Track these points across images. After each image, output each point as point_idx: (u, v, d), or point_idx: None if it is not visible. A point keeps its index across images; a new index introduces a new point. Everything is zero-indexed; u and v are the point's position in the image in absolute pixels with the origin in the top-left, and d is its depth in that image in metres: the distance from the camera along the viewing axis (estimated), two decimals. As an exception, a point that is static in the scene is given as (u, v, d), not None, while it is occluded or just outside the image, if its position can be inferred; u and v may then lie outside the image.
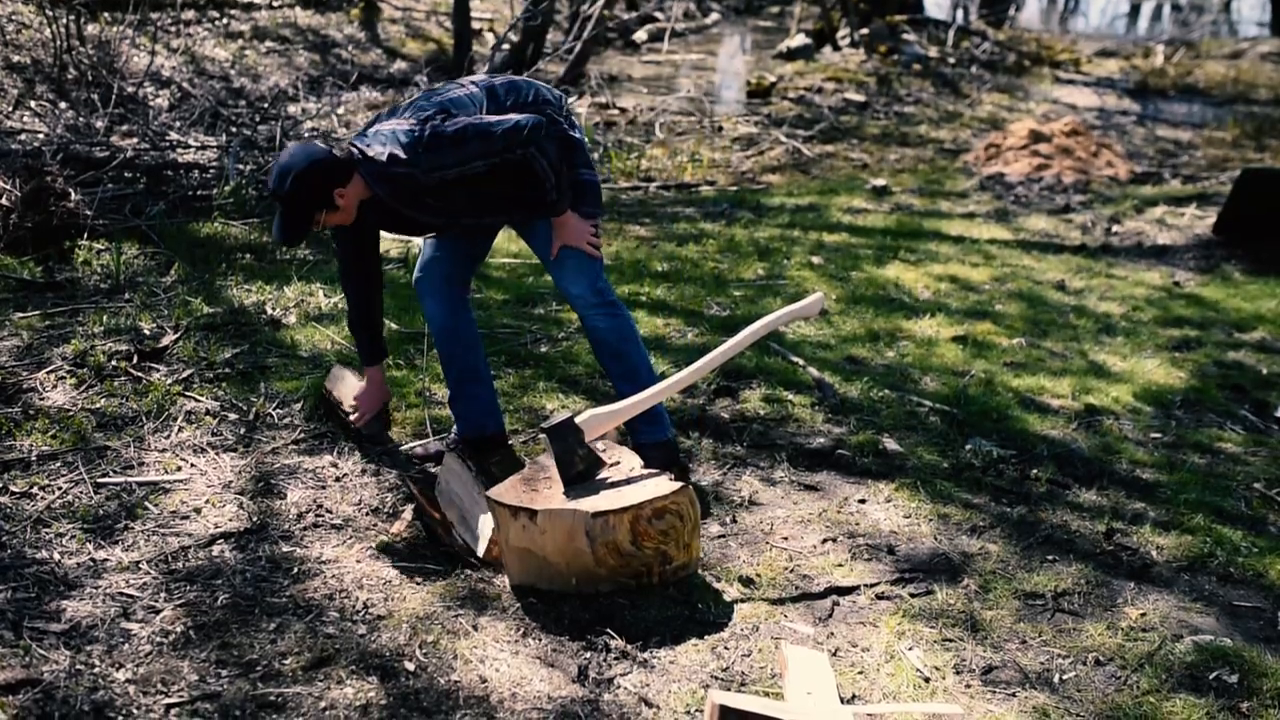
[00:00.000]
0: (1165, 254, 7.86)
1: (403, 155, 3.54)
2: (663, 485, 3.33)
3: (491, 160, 3.58)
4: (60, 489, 3.72)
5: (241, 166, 7.59)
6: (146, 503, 3.67)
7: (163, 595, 3.18)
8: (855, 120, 12.40)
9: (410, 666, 2.94)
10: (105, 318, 5.08)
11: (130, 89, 9.30)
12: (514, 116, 3.63)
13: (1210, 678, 3.09)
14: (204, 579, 3.28)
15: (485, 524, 3.43)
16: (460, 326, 4.07)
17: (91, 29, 10.43)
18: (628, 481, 3.40)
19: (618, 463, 3.56)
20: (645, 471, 3.47)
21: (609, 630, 3.15)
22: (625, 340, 3.97)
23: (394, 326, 5.24)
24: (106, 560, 3.34)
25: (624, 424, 3.79)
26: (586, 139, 3.99)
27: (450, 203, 3.68)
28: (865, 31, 16.13)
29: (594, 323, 3.94)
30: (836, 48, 16.49)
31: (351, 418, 4.11)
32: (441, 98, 3.70)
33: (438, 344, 4.10)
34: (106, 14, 10.89)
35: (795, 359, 5.19)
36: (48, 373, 4.51)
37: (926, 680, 3.03)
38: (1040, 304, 6.48)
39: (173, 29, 12.15)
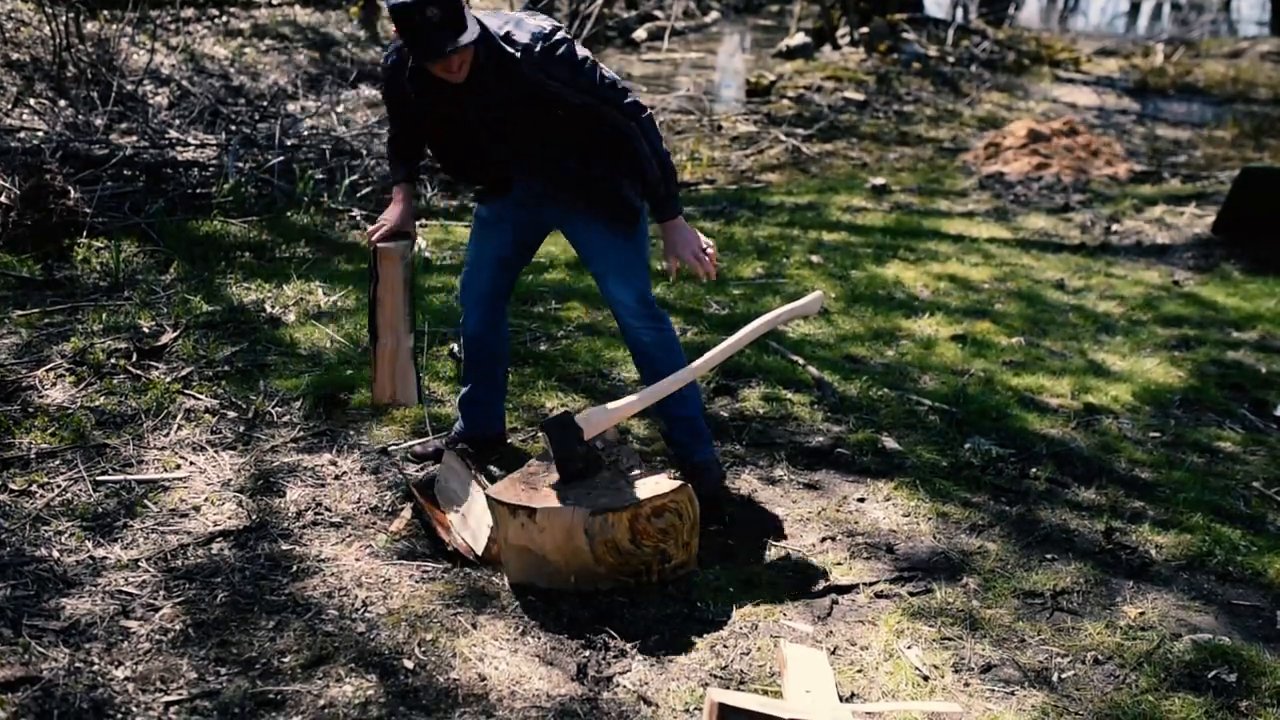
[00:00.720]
0: (1164, 253, 7.86)
1: (520, 39, 3.42)
2: (662, 484, 3.34)
3: (595, 106, 3.47)
4: (59, 487, 3.72)
5: (241, 165, 7.59)
6: (146, 501, 3.67)
7: (162, 593, 3.18)
8: (855, 119, 12.40)
9: (409, 664, 2.94)
10: (104, 315, 5.08)
11: (130, 87, 9.29)
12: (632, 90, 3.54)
13: (1209, 676, 3.09)
14: (203, 577, 3.28)
15: (484, 522, 3.43)
16: (494, 338, 4.01)
17: (91, 27, 10.43)
18: (627, 480, 3.40)
19: (616, 460, 3.56)
20: (644, 470, 3.47)
21: (608, 628, 3.15)
22: (669, 353, 3.84)
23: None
24: (105, 558, 3.34)
25: (667, 444, 3.83)
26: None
27: (533, 122, 3.51)
28: (865, 30, 16.13)
29: (639, 334, 3.82)
30: (836, 46, 16.49)
31: (370, 228, 3.83)
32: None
33: (466, 350, 4.04)
34: (106, 12, 10.89)
35: (794, 357, 5.19)
36: (47, 370, 4.50)
37: (925, 679, 3.04)
38: (1039, 303, 6.48)
39: (172, 27, 12.15)
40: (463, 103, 3.52)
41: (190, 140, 8.21)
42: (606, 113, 3.50)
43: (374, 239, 3.77)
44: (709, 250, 3.65)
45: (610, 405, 3.61)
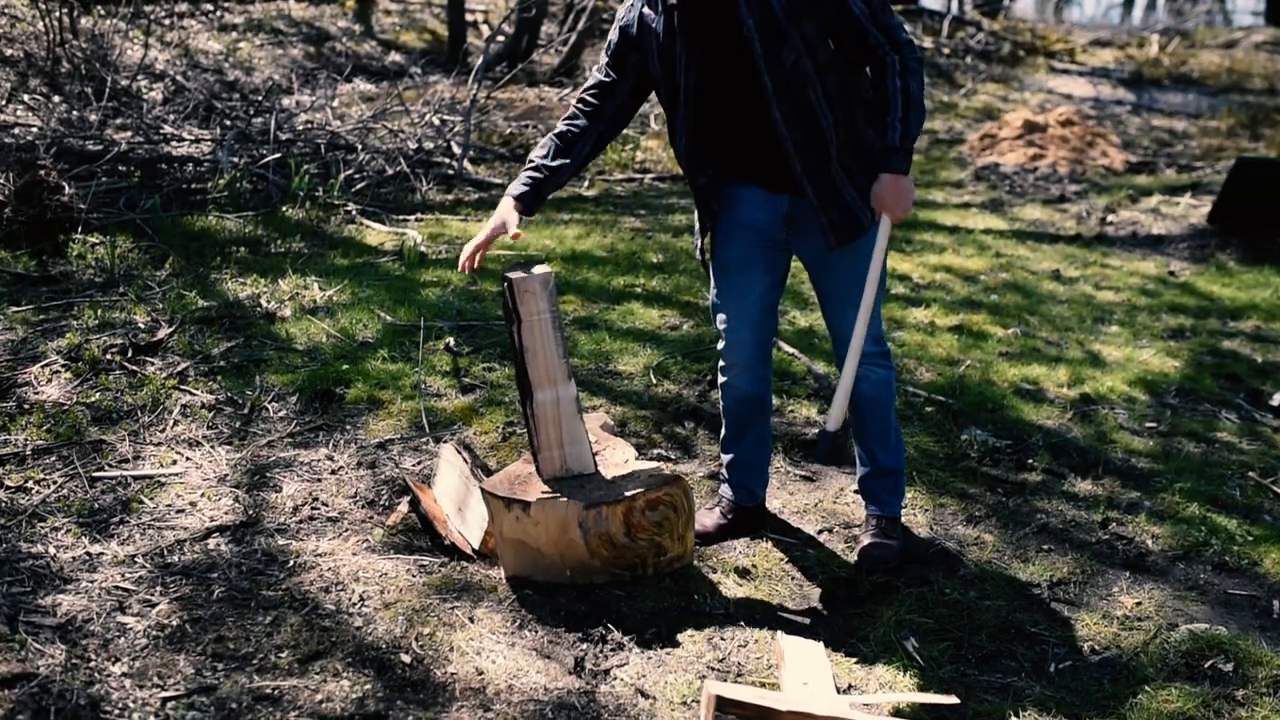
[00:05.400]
0: (1160, 243, 7.86)
1: None
2: (656, 477, 3.33)
3: (866, 22, 3.07)
4: (55, 483, 3.72)
5: (235, 160, 7.58)
6: (141, 497, 3.67)
7: (158, 589, 3.18)
8: (850, 111, 12.38)
9: (406, 659, 2.94)
10: (100, 311, 5.07)
11: (124, 82, 9.28)
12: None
13: (1205, 666, 3.09)
14: (199, 573, 3.27)
15: (480, 516, 3.43)
16: (766, 393, 3.64)
17: (85, 22, 10.40)
18: (622, 473, 3.39)
19: (610, 448, 3.55)
20: (639, 463, 3.46)
21: (605, 622, 3.15)
22: (891, 398, 3.54)
23: (387, 319, 5.24)
24: (102, 554, 3.34)
25: (864, 496, 3.67)
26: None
27: (795, 45, 3.06)
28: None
29: (870, 374, 3.45)
30: (831, 38, 16.47)
31: (467, 248, 3.29)
32: None
33: (736, 412, 3.64)
34: (100, 7, 10.86)
35: (790, 349, 5.19)
36: (42, 367, 4.50)
37: (923, 670, 3.04)
38: (1035, 294, 6.48)
39: (166, 22, 12.12)
40: (722, 18, 3.10)
41: (185, 135, 8.19)
42: (873, 36, 3.09)
43: (505, 272, 3.24)
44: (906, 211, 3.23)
45: (835, 400, 3.30)
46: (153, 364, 4.62)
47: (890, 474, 3.63)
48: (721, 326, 3.54)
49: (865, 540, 3.58)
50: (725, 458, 3.74)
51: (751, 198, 3.38)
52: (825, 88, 3.14)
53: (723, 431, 3.74)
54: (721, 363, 3.61)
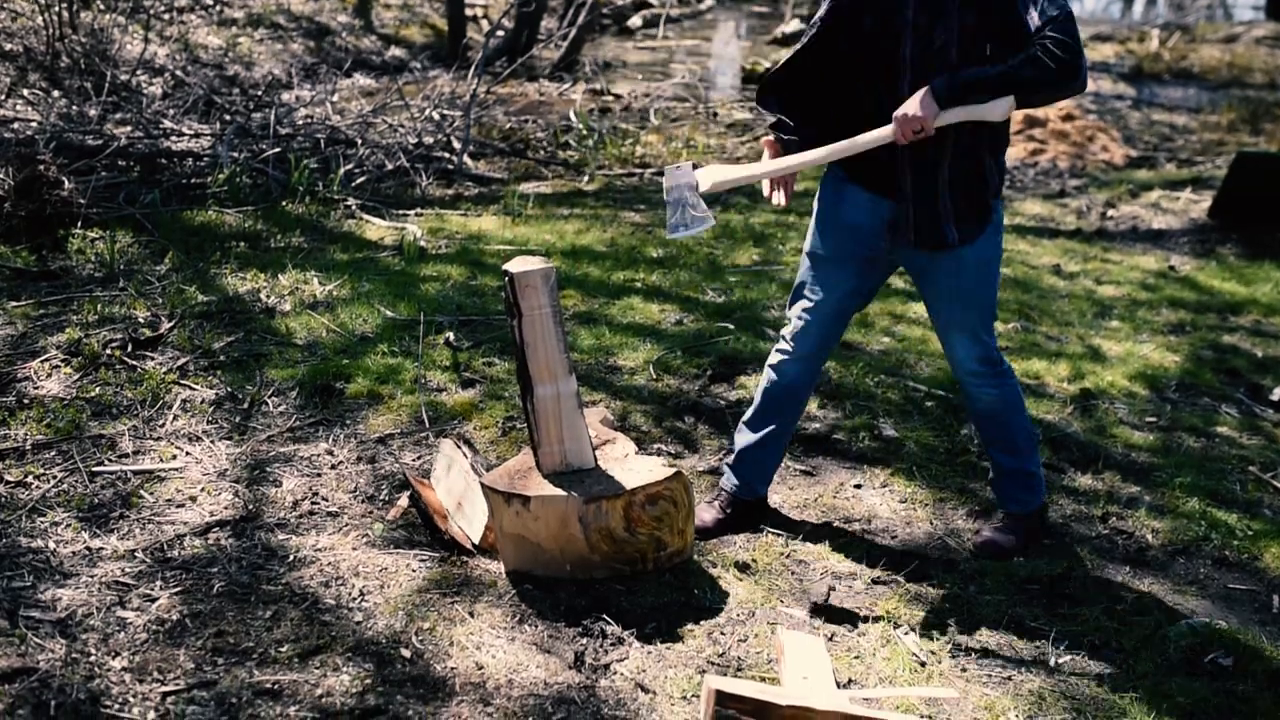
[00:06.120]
0: (1160, 238, 7.86)
1: None
2: (656, 471, 3.33)
3: (1026, 28, 3.01)
4: (55, 478, 3.72)
5: (235, 154, 7.57)
6: (141, 491, 3.67)
7: (158, 583, 3.18)
8: (851, 105, 12.36)
9: (406, 653, 2.94)
10: (99, 306, 5.07)
11: (124, 77, 9.27)
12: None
13: (1205, 661, 3.10)
14: (199, 567, 3.28)
15: (480, 510, 3.43)
16: (805, 394, 3.66)
17: (84, 17, 10.40)
18: (622, 467, 3.39)
19: (610, 442, 3.55)
20: (639, 457, 3.46)
21: (605, 616, 3.15)
22: (1013, 410, 3.53)
23: (387, 313, 5.23)
24: (101, 549, 3.34)
25: (993, 493, 3.73)
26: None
27: (939, 6, 3.07)
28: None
29: (977, 392, 3.50)
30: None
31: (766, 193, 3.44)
32: None
33: (771, 397, 3.62)
34: (99, 2, 10.86)
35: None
36: (42, 362, 4.50)
37: (923, 664, 3.04)
38: (1035, 288, 6.48)
39: (166, 16, 12.12)
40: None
41: (185, 130, 8.19)
42: (1030, 21, 3.02)
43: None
44: (920, 133, 3.09)
45: (738, 168, 3.30)
46: (153, 359, 4.62)
47: (1018, 476, 3.64)
48: (794, 310, 3.56)
49: (984, 533, 3.66)
50: (739, 439, 3.72)
51: (855, 199, 3.41)
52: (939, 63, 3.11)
53: (750, 409, 3.71)
54: (780, 344, 3.62)
